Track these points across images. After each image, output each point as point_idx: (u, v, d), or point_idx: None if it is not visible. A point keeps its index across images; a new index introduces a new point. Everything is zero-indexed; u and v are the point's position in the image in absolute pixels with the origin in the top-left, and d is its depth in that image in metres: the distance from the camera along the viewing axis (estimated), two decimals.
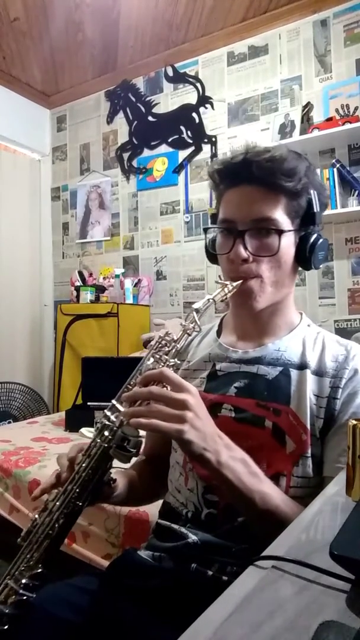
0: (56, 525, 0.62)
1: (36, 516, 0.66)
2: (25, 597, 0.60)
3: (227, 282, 0.75)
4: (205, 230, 0.87)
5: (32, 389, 3.26)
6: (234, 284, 0.75)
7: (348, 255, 2.45)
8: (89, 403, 2.29)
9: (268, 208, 0.75)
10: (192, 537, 0.74)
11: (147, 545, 0.83)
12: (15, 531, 1.53)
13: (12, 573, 0.62)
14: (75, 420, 2.18)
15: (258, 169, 0.73)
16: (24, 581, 0.60)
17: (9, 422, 2.95)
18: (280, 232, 0.75)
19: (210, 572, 0.71)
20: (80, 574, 0.83)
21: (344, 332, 2.41)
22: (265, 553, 0.42)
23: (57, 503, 0.64)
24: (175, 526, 0.78)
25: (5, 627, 0.59)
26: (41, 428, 2.30)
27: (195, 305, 0.72)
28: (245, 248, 0.75)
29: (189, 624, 0.34)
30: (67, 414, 2.25)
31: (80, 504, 0.64)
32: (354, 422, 0.53)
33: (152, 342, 0.72)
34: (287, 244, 0.77)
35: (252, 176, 0.74)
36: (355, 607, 0.35)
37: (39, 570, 0.61)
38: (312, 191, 0.78)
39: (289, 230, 0.77)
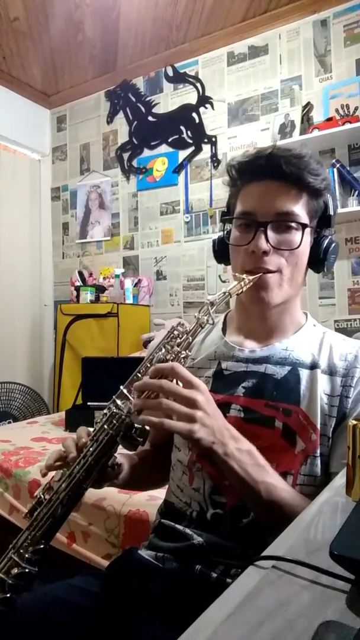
0: (60, 506, 0.65)
1: (41, 495, 0.67)
2: (27, 570, 0.62)
3: (244, 276, 0.74)
4: (224, 221, 0.86)
5: (32, 389, 3.26)
6: (251, 277, 0.74)
7: (348, 255, 2.45)
8: (89, 403, 2.29)
9: (291, 203, 0.75)
10: (198, 539, 0.74)
11: (149, 545, 0.82)
12: (15, 531, 1.53)
13: (17, 547, 0.64)
14: (75, 420, 2.18)
15: (287, 164, 0.73)
16: (27, 555, 0.63)
17: (9, 422, 2.95)
18: (304, 227, 0.76)
19: (214, 575, 0.71)
20: (80, 574, 0.82)
21: (344, 332, 2.40)
22: (265, 553, 0.42)
23: (63, 485, 0.66)
24: (180, 527, 0.77)
25: (8, 594, 0.61)
26: (41, 428, 2.30)
27: (210, 298, 0.71)
28: (267, 240, 0.74)
29: None
30: (67, 414, 2.25)
31: (85, 486, 0.66)
32: (354, 422, 0.53)
33: (166, 332, 0.72)
34: (306, 241, 0.78)
35: (277, 171, 0.74)
36: (355, 607, 0.35)
37: (42, 546, 0.64)
38: (328, 194, 0.80)
39: (311, 227, 0.78)
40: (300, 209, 0.76)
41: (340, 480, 0.59)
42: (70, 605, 0.72)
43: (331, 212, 0.81)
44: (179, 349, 0.68)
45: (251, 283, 0.74)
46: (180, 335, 0.70)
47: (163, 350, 0.70)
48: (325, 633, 0.31)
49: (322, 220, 0.81)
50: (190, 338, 0.69)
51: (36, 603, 0.72)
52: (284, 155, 0.74)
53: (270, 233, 0.75)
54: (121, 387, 0.68)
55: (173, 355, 0.68)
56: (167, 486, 0.89)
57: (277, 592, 0.38)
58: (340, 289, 2.47)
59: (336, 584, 0.37)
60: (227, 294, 0.72)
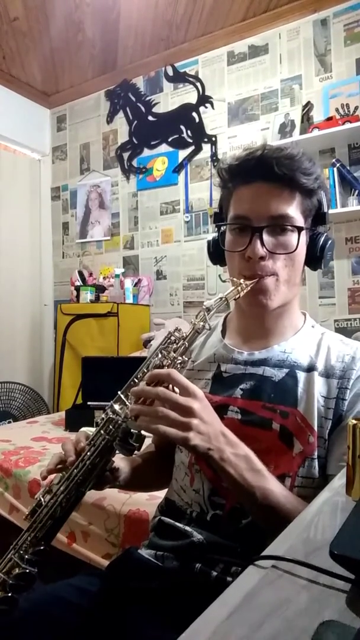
0: (59, 508, 0.66)
1: (41, 497, 0.68)
2: (28, 571, 0.63)
3: (241, 281, 0.73)
4: (219, 227, 0.85)
5: (32, 389, 3.26)
6: (248, 282, 0.73)
7: (348, 255, 2.45)
8: (89, 403, 2.29)
9: (285, 205, 0.74)
10: (198, 536, 0.74)
11: (149, 544, 0.82)
12: (15, 531, 1.53)
13: (17, 548, 0.65)
14: (75, 420, 2.18)
15: (278, 165, 0.73)
16: (27, 556, 0.64)
17: (9, 422, 2.95)
18: (299, 230, 0.75)
19: (214, 573, 0.71)
20: (80, 573, 0.83)
21: (344, 332, 2.41)
22: (265, 553, 0.42)
23: (62, 488, 0.67)
24: (180, 525, 0.78)
25: (9, 594, 0.62)
26: (41, 428, 2.30)
27: (206, 304, 0.71)
28: (263, 245, 0.74)
29: None
30: (67, 414, 2.25)
31: (83, 490, 0.68)
32: (354, 421, 0.53)
33: (163, 338, 0.72)
34: (302, 242, 0.77)
35: (269, 173, 0.73)
36: (355, 607, 0.35)
37: (42, 547, 0.65)
38: (321, 192, 0.79)
39: (307, 228, 0.78)
40: (294, 211, 0.75)
41: (339, 480, 0.59)
42: (70, 605, 0.72)
43: (325, 210, 0.80)
44: (175, 355, 0.68)
45: (249, 288, 0.73)
46: (177, 341, 0.70)
47: (160, 355, 0.69)
48: (325, 633, 0.31)
49: (317, 218, 0.80)
50: (187, 344, 0.69)
51: (36, 603, 0.72)
52: (275, 157, 0.73)
53: (265, 237, 0.74)
54: (119, 393, 0.69)
55: (169, 361, 0.68)
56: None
57: (277, 592, 0.38)
58: (340, 288, 2.47)
59: (336, 584, 0.37)
60: (223, 299, 0.72)
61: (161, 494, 0.91)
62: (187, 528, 0.76)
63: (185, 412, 0.61)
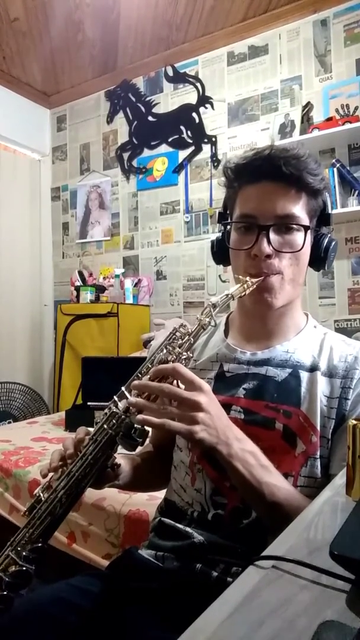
0: (59, 505, 0.64)
1: (40, 493, 0.67)
2: (24, 568, 0.62)
3: (247, 278, 0.74)
4: (225, 225, 0.85)
5: (32, 389, 3.26)
6: (254, 280, 0.74)
7: (348, 255, 2.45)
8: (89, 403, 2.29)
9: (292, 204, 0.75)
10: (198, 537, 0.74)
11: (149, 545, 0.82)
12: (15, 531, 1.52)
13: (14, 545, 0.64)
14: (75, 420, 2.18)
15: (286, 165, 0.73)
16: (24, 553, 0.62)
17: (9, 422, 2.95)
18: (306, 229, 0.76)
19: (215, 573, 0.71)
20: (80, 574, 0.82)
21: (344, 332, 2.41)
22: (265, 553, 0.42)
23: (62, 483, 0.65)
24: (180, 525, 0.77)
25: (5, 592, 0.60)
26: (41, 428, 2.30)
27: (212, 300, 0.72)
28: (269, 243, 0.74)
29: None
30: (67, 414, 2.25)
31: (84, 485, 0.66)
32: (354, 422, 0.53)
33: (167, 332, 0.72)
34: (308, 242, 0.78)
35: (276, 172, 0.74)
36: (355, 607, 0.35)
37: (39, 544, 0.63)
38: (326, 193, 0.80)
39: (313, 228, 0.78)
40: (300, 210, 0.76)
41: (340, 480, 0.59)
42: (70, 605, 0.72)
43: (330, 211, 0.81)
44: (180, 350, 0.68)
45: (254, 286, 0.74)
46: (182, 337, 0.70)
47: (164, 351, 0.69)
48: (325, 633, 0.31)
49: (321, 219, 0.81)
50: (192, 339, 0.69)
51: (36, 603, 0.72)
52: (283, 156, 0.74)
53: (272, 236, 0.74)
54: (122, 388, 0.68)
55: (174, 357, 0.68)
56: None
57: (277, 592, 0.38)
58: (340, 289, 2.47)
59: (336, 584, 0.37)
60: (229, 296, 0.72)
61: (161, 495, 0.91)
62: (188, 529, 0.76)
63: (191, 406, 0.61)
